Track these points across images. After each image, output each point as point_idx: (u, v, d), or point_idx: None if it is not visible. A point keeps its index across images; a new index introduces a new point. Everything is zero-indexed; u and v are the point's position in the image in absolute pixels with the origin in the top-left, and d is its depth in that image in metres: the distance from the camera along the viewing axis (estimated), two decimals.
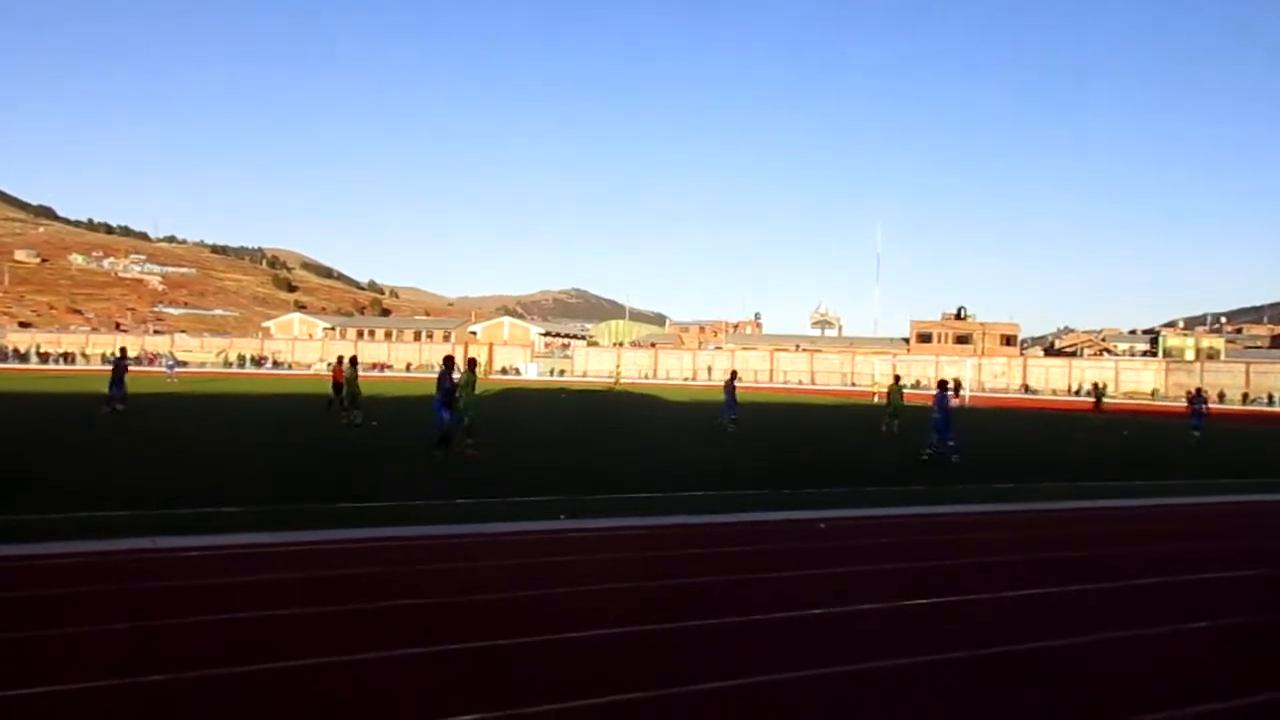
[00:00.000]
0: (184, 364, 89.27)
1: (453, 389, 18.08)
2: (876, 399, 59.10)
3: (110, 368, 28.44)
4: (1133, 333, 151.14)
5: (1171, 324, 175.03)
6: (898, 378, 31.59)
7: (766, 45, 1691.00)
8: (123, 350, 30.77)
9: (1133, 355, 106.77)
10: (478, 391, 18.91)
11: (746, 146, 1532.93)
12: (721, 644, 6.65)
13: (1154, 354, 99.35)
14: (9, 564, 8.30)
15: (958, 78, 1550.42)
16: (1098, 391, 43.21)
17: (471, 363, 19.14)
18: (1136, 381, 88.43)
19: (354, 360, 28.43)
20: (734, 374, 29.95)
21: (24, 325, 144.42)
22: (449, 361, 18.74)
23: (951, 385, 61.89)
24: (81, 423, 23.66)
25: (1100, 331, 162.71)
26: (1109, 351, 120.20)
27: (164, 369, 67.77)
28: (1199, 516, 14.15)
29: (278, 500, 12.23)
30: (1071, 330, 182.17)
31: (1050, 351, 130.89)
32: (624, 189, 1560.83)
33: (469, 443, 18.14)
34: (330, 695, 5.44)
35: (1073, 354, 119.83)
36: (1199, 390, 32.08)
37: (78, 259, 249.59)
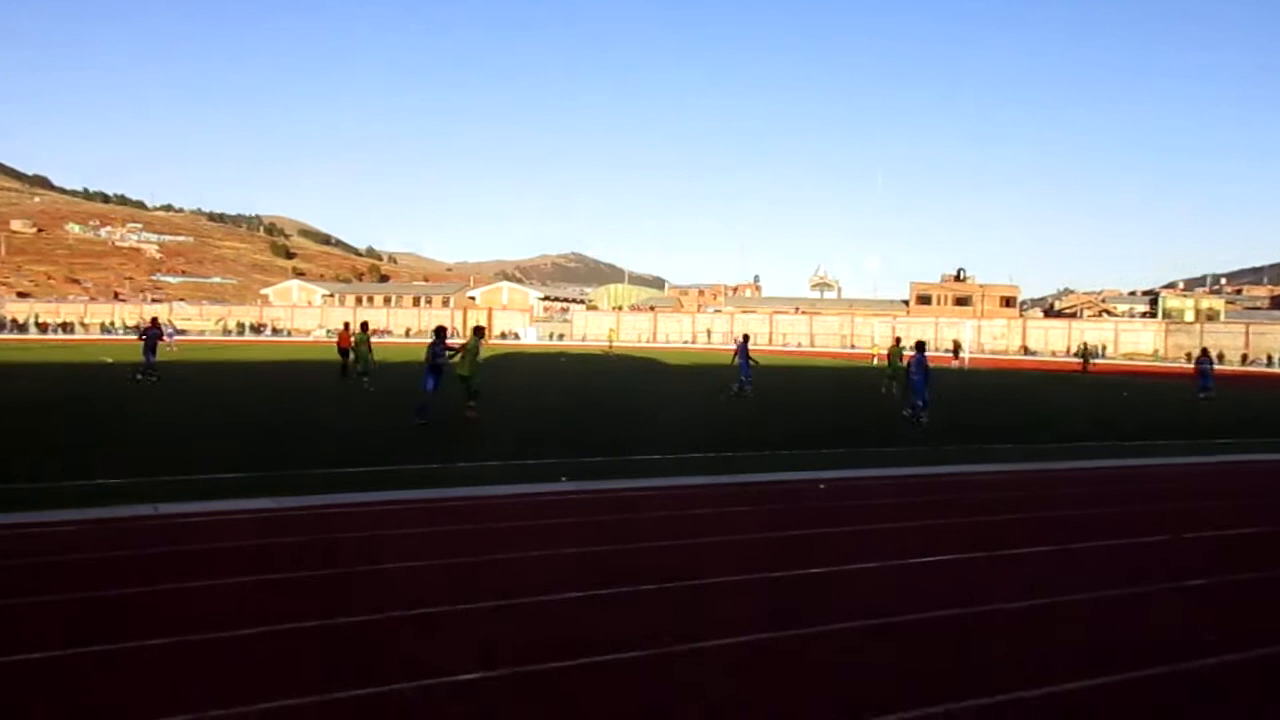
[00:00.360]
0: (183, 332, 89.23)
1: (442, 357, 18.16)
2: (876, 361, 59.15)
3: (140, 338, 28.18)
4: (1132, 294, 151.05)
5: (1171, 285, 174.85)
6: (898, 339, 31.33)
7: (762, 9, 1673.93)
8: (154, 320, 30.45)
9: (1132, 316, 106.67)
10: (480, 358, 18.74)
11: (746, 111, 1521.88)
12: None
13: (1154, 315, 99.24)
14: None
15: (958, 39, 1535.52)
16: (1085, 353, 43.27)
17: (478, 330, 18.94)
18: (1136, 343, 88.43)
19: (365, 325, 28.23)
20: (745, 337, 29.20)
21: (22, 295, 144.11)
22: (440, 331, 18.78)
23: (952, 347, 62.18)
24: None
25: (1100, 293, 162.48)
26: (1108, 313, 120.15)
27: (164, 336, 67.73)
28: (1201, 476, 14.19)
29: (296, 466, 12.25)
30: (1071, 292, 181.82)
31: (1050, 313, 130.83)
32: (623, 153, 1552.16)
33: (470, 405, 17.96)
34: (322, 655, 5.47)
35: (1072, 315, 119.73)
36: (1205, 351, 31.97)
37: (74, 228, 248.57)
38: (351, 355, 27.25)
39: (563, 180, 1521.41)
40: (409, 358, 38.50)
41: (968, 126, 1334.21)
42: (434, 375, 18.05)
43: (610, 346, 74.68)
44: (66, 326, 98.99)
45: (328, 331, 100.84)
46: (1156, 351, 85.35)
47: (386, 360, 39.76)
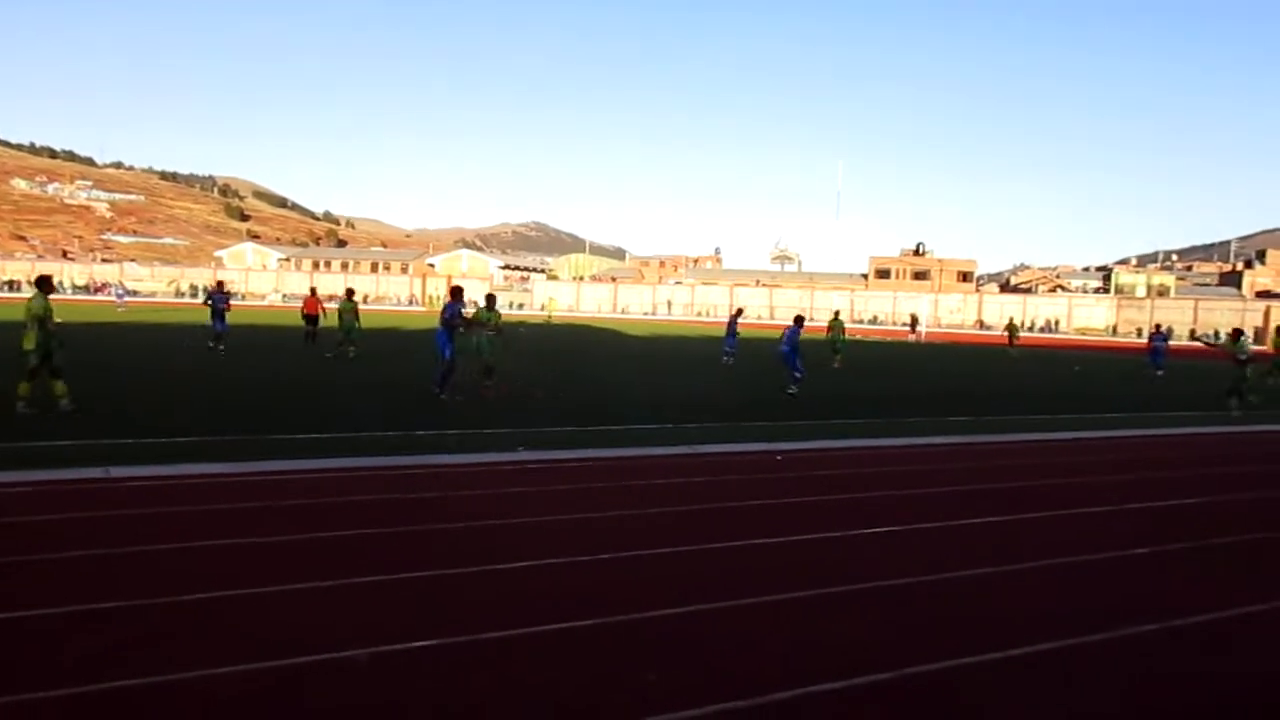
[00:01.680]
0: (134, 293, 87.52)
1: (456, 321, 16.70)
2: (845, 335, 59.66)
3: (206, 303, 26.78)
4: (1086, 270, 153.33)
5: (1124, 261, 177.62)
6: (837, 313, 32.47)
7: None
8: (219, 284, 28.13)
9: (1086, 292, 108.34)
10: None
11: (708, 81, 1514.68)
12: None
13: (1107, 291, 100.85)
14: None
15: (921, 14, 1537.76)
16: (1011, 328, 44.50)
17: (490, 299, 17.71)
18: (1089, 318, 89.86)
19: (350, 292, 26.86)
20: (739, 311, 32.05)
21: None
22: (457, 292, 17.18)
23: (909, 321, 62.74)
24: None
25: (1055, 269, 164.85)
26: (1063, 288, 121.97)
27: (113, 297, 66.37)
28: (1147, 448, 14.51)
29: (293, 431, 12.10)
30: (1027, 267, 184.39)
31: (1006, 288, 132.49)
32: (586, 123, 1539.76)
33: (487, 384, 17.17)
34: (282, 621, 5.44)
35: (1028, 290, 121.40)
36: (1158, 326, 32.49)
37: (21, 184, 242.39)
38: (337, 321, 26.01)
39: (525, 149, 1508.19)
40: (372, 325, 38.16)
41: (930, 102, 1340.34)
42: (450, 341, 16.55)
43: (549, 317, 73.77)
44: (13, 285, 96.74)
45: (283, 296, 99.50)
46: (1108, 326, 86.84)
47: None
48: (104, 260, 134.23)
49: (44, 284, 13.35)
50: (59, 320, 13.36)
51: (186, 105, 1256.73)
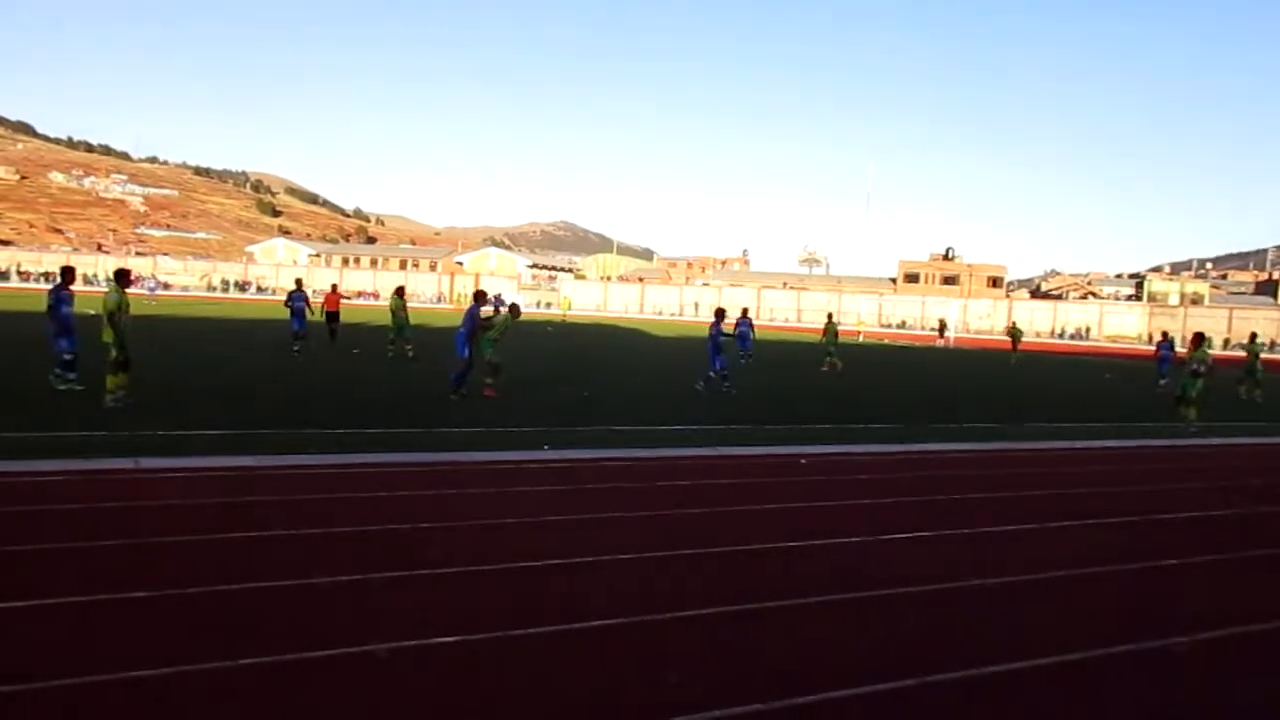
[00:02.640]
0: (166, 286, 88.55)
1: (476, 324, 16.79)
2: (862, 338, 59.37)
3: (286, 304, 25.26)
4: (1119, 277, 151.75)
5: (1158, 269, 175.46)
6: (830, 315, 32.61)
7: None
8: (298, 282, 26.33)
9: (1118, 299, 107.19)
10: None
11: (739, 83, 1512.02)
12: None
13: (1139, 298, 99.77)
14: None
15: (947, 20, 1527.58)
16: (1014, 333, 42.56)
17: (514, 309, 17.48)
18: (1120, 325, 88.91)
19: (401, 290, 25.60)
20: (744, 310, 32.14)
21: (4, 243, 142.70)
22: (480, 296, 17.61)
23: (938, 325, 62.39)
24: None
25: (1087, 275, 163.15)
26: (1094, 295, 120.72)
27: (144, 290, 67.16)
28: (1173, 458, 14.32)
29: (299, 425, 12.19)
30: (1058, 273, 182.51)
31: (1036, 294, 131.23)
32: (615, 123, 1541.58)
33: (488, 382, 16.65)
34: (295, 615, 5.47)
35: (1058, 297, 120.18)
36: (1165, 334, 31.66)
37: (58, 177, 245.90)
38: (390, 320, 24.84)
39: (554, 148, 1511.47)
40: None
41: (961, 106, 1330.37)
42: (469, 342, 16.63)
43: (564, 317, 73.59)
44: (49, 276, 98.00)
45: (313, 291, 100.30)
46: (1140, 335, 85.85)
47: (366, 323, 39.62)
48: (138, 254, 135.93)
49: (121, 278, 13.53)
50: (132, 314, 13.48)
51: (222, 102, 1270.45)
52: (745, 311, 31.68)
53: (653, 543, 7.44)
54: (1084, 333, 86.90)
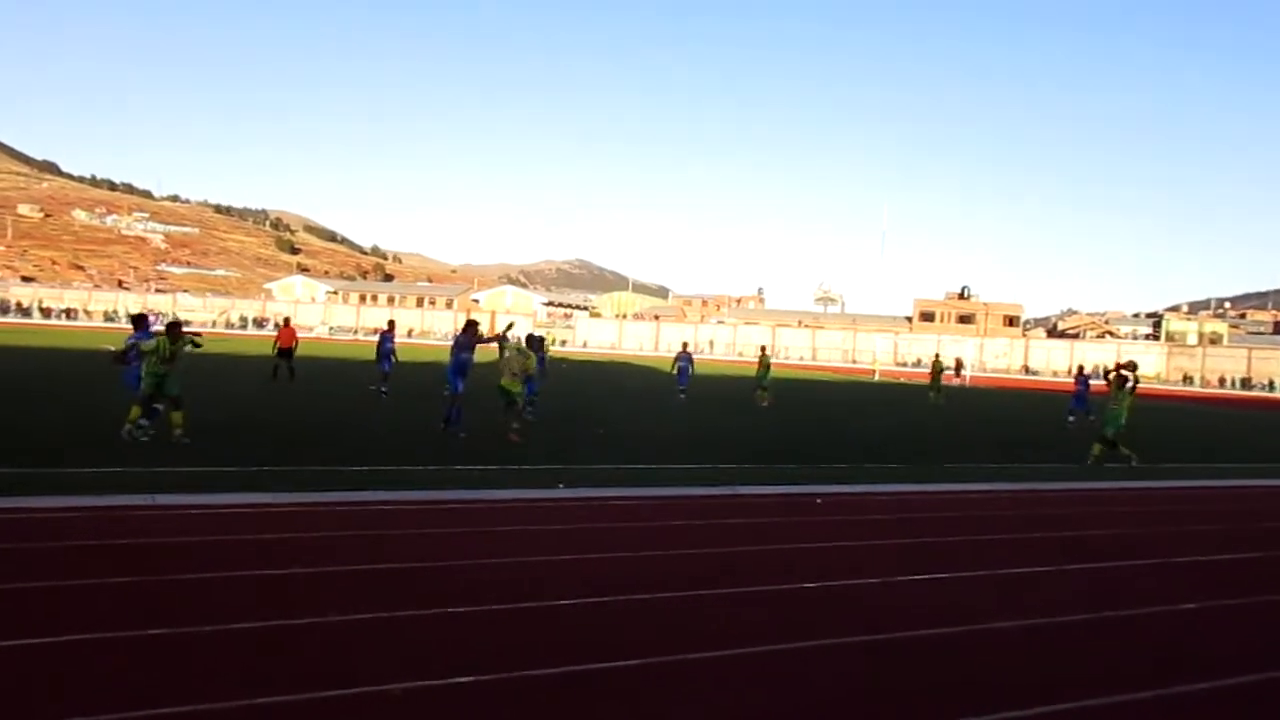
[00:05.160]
0: (187, 323, 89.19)
1: (469, 356, 16.65)
2: (877, 376, 59.26)
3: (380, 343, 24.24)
4: (1136, 316, 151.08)
5: (1175, 308, 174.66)
6: (763, 348, 32.59)
7: (772, 19, 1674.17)
8: (390, 324, 25.37)
9: (1135, 338, 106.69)
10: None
11: (753, 120, 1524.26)
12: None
13: (1157, 338, 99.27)
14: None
15: (964, 57, 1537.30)
16: (936, 366, 37.28)
17: (539, 340, 16.92)
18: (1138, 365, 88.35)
19: (391, 324, 24.91)
20: (684, 344, 32.71)
21: (26, 280, 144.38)
22: (471, 327, 17.14)
23: (953, 365, 62.23)
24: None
25: (1104, 314, 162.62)
26: (1111, 334, 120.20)
27: (155, 328, 67.72)
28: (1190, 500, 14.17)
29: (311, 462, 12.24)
30: (1075, 312, 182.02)
31: (1053, 333, 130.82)
32: (630, 161, 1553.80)
33: (515, 427, 15.66)
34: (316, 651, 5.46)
35: (1075, 336, 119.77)
36: (1081, 369, 30.85)
37: (81, 215, 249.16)
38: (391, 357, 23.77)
39: (569, 186, 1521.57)
40: (416, 358, 38.63)
41: (977, 144, 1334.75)
42: (461, 374, 16.42)
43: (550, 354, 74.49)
44: (70, 313, 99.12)
45: (330, 329, 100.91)
46: (1159, 374, 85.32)
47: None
48: (158, 290, 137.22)
49: (172, 330, 13.70)
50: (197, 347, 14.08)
51: (242, 141, 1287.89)
52: (685, 345, 31.71)
53: (671, 582, 7.41)
54: (1101, 373, 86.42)
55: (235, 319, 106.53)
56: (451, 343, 17.23)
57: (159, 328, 14.36)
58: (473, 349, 16.96)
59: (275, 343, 26.59)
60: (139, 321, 14.65)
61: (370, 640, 5.73)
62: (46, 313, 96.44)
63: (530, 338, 17.71)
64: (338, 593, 6.66)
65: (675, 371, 29.88)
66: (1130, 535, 10.73)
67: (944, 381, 37.40)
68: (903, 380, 52.70)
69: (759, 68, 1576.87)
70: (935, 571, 8.23)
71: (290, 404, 20.68)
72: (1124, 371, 17.68)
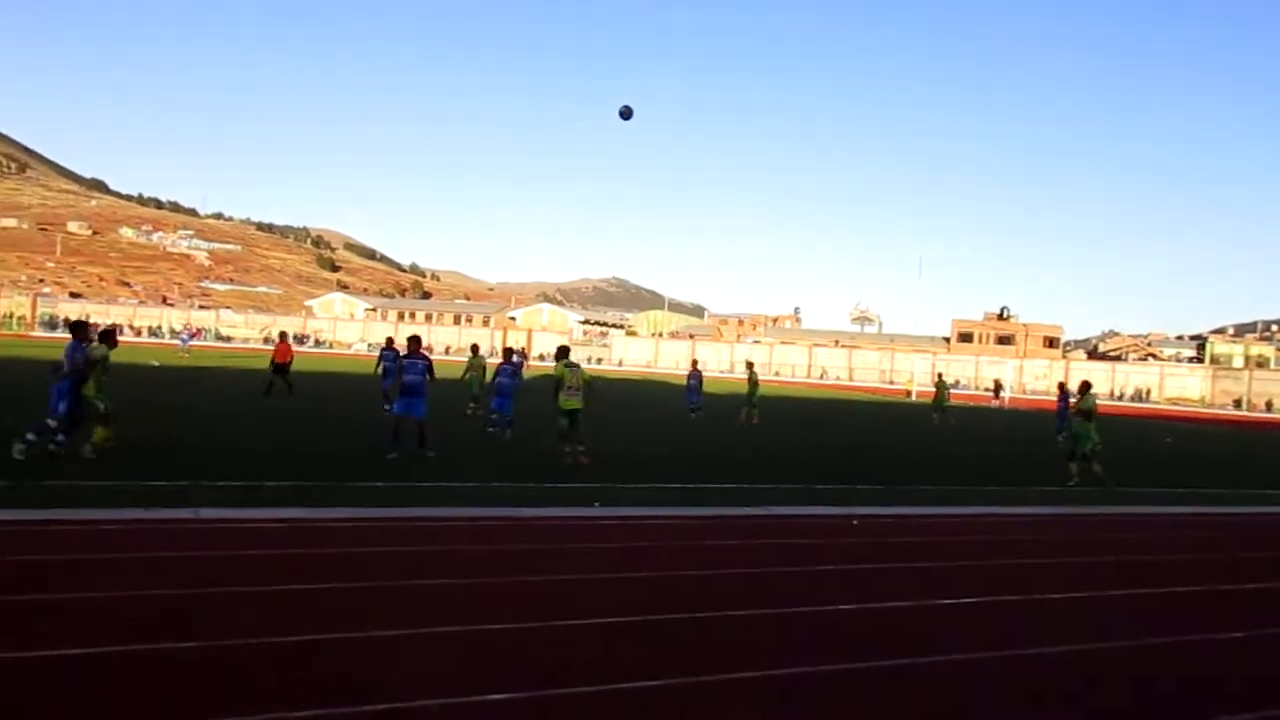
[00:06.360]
0: (229, 339, 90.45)
1: (505, 376, 17.96)
2: (915, 396, 58.76)
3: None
4: (1180, 338, 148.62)
5: (1221, 330, 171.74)
6: (750, 364, 31.56)
7: (809, 40, 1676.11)
8: (389, 340, 24.27)
9: (1179, 361, 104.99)
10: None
11: (789, 140, 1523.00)
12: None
13: (1201, 360, 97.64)
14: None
15: (1005, 76, 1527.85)
16: (940, 385, 36.38)
17: (563, 349, 16.45)
18: (1182, 388, 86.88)
19: (475, 348, 24.03)
20: (694, 362, 31.94)
21: (75, 295, 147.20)
22: (508, 354, 18.61)
23: (992, 386, 61.57)
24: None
25: (1146, 336, 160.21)
26: (1154, 356, 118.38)
27: (179, 342, 68.91)
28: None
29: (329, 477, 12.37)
30: (1116, 334, 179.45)
31: (1093, 355, 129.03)
32: (666, 179, 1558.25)
33: (580, 449, 15.10)
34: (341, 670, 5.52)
35: (1117, 358, 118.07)
36: (1062, 385, 29.67)
37: (127, 232, 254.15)
38: (466, 378, 22.86)
39: (606, 204, 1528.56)
40: (445, 374, 38.83)
41: (1017, 163, 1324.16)
42: (503, 395, 18.07)
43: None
44: (116, 328, 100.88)
45: (368, 345, 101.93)
46: (1203, 398, 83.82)
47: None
48: (201, 306, 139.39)
49: (108, 337, 13.33)
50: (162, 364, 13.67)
51: (285, 160, 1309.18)
52: (695, 364, 31.19)
53: (710, 602, 7.39)
54: (1144, 395, 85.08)
55: (276, 335, 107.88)
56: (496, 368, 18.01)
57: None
58: (515, 374, 18.04)
59: (272, 358, 26.46)
60: (79, 329, 13.15)
61: (406, 656, 5.77)
62: (93, 328, 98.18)
63: (560, 349, 17.03)
64: (377, 607, 6.73)
65: (686, 389, 29.53)
66: (1163, 560, 10.56)
67: (951, 401, 36.38)
68: (950, 402, 52.12)
69: (798, 88, 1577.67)
70: (968, 596, 8.15)
71: (329, 423, 20.87)
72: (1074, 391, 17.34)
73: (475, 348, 24.40)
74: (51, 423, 11.90)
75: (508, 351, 19.06)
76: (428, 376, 14.76)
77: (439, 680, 5.35)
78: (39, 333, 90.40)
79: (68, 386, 12.15)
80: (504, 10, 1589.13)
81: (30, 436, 11.70)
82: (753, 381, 29.14)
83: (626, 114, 14.14)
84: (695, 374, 29.22)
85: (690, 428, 24.80)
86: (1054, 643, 6.86)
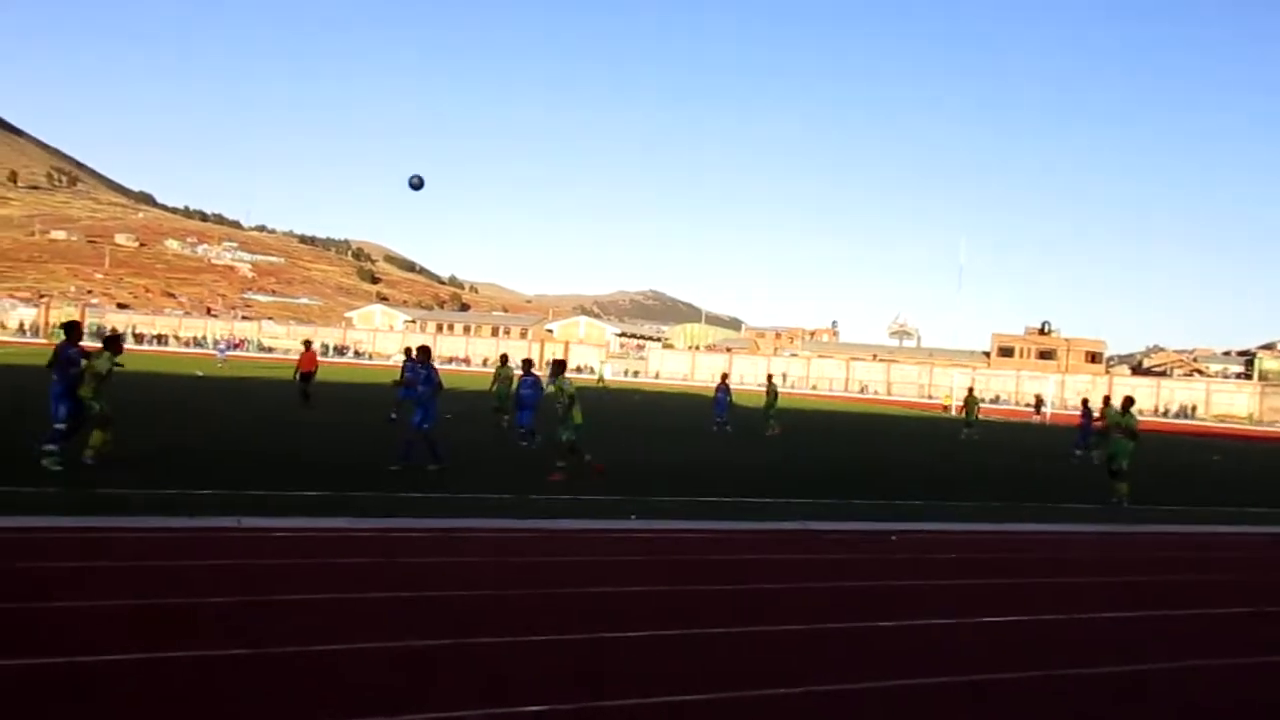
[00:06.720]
0: (271, 350, 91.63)
1: (527, 389, 18.30)
2: (954, 411, 58.10)
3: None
4: (1227, 354, 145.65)
5: (1270, 346, 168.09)
6: (770, 376, 31.43)
7: (847, 54, 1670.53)
8: (407, 351, 22.71)
9: (1226, 377, 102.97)
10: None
11: (828, 152, 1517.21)
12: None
13: (1249, 376, 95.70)
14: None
15: (1044, 88, 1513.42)
16: (970, 400, 36.09)
17: (560, 364, 16.00)
18: (1230, 404, 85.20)
19: (504, 358, 23.80)
20: (724, 376, 31.08)
21: (122, 306, 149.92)
22: (528, 366, 18.79)
23: (1034, 402, 60.74)
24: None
25: (1192, 351, 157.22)
26: (1200, 372, 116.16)
27: (216, 352, 70.01)
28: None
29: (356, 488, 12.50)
30: (1161, 349, 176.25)
31: (1137, 370, 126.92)
32: (704, 192, 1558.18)
33: (559, 464, 14.93)
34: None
35: (1161, 374, 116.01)
36: (1085, 402, 28.96)
37: (173, 244, 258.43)
38: (494, 389, 22.89)
39: (643, 217, 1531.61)
40: (483, 386, 39.01)
41: (1057, 175, 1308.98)
42: (528, 407, 18.61)
43: (600, 381, 75.74)
44: (161, 339, 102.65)
45: (299, 347, 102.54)
46: (1251, 415, 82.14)
47: (457, 388, 40.27)
48: (244, 317, 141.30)
49: (111, 343, 13.32)
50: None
51: (327, 174, 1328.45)
52: (724, 377, 30.81)
53: (742, 617, 7.38)
54: (1189, 412, 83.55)
55: (317, 346, 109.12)
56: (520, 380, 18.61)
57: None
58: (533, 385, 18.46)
59: (296, 367, 26.12)
60: (73, 330, 13.13)
61: (445, 666, 5.82)
62: (140, 338, 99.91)
63: (559, 363, 16.37)
64: (414, 618, 6.79)
65: (713, 401, 29.43)
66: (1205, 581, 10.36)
67: (980, 415, 36.14)
68: (979, 416, 51.57)
69: (838, 100, 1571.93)
70: (1015, 614, 8.06)
71: (363, 433, 21.07)
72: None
73: (504, 358, 24.32)
74: (60, 426, 12.01)
75: (526, 364, 19.24)
76: (431, 388, 14.66)
77: (480, 693, 5.39)
78: (88, 342, 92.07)
79: (62, 390, 12.20)
80: (541, 23, 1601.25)
81: (49, 447, 11.82)
82: (772, 393, 29.23)
83: (417, 184, 14.39)
84: (723, 387, 29.13)
85: (721, 442, 24.65)
86: (1096, 664, 6.77)
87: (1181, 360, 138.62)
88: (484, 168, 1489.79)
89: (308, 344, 28.00)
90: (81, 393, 12.28)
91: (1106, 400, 19.72)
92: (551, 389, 15.76)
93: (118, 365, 13.13)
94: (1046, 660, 6.76)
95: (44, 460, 11.70)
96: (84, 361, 12.53)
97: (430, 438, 14.39)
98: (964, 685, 6.10)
